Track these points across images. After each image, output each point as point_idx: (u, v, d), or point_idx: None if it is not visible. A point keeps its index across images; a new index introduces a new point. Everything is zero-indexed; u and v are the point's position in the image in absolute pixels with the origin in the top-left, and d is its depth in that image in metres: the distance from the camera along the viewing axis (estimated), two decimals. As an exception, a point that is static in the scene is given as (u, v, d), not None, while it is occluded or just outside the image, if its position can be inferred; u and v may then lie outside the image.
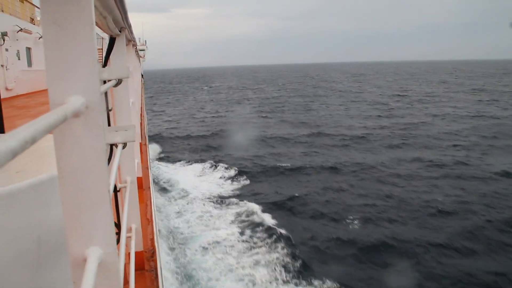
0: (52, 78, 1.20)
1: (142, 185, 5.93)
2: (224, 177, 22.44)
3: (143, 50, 56.45)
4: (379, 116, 45.46)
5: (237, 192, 20.12)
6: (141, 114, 10.90)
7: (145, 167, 6.83)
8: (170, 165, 26.17)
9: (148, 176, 6.54)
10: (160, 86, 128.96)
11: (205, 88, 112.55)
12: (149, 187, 6.00)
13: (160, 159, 27.99)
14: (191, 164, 25.85)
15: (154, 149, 29.64)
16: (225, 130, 37.45)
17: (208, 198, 18.95)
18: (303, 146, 30.49)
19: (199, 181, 21.72)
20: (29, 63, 18.17)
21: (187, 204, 18.68)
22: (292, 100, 66.80)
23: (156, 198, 17.92)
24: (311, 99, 69.29)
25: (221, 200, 18.66)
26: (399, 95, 70.82)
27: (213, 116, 49.32)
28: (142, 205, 5.25)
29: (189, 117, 49.61)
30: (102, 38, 27.29)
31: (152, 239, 4.41)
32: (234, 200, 18.56)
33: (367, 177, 21.91)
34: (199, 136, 35.80)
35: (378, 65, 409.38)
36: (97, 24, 2.91)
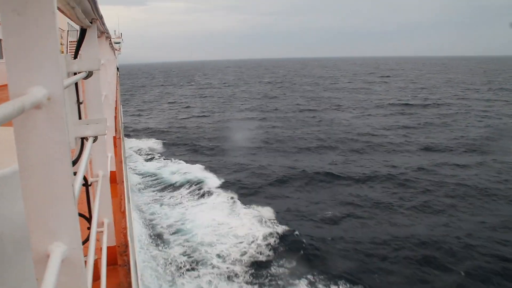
0: (12, 68, 1.16)
1: (116, 179, 5.85)
2: (248, 230, 15.22)
3: (119, 43, 55.60)
4: (417, 126, 35.53)
5: (275, 258, 13.40)
6: (115, 108, 10.74)
7: (119, 161, 6.73)
8: (161, 199, 19.42)
9: (122, 170, 6.45)
10: (133, 82, 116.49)
11: (186, 85, 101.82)
12: (123, 181, 5.92)
13: (149, 187, 21.19)
14: (188, 199, 19.00)
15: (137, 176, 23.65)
16: (225, 150, 28.86)
17: (237, 266, 12.86)
18: (342, 183, 20.58)
19: (214, 233, 14.98)
20: (0, 55, 17.70)
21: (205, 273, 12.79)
22: (292, 101, 57.15)
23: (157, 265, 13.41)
24: (310, 96, 61.79)
25: (258, 271, 12.66)
26: (415, 96, 60.65)
27: (205, 122, 41.22)
28: (116, 199, 5.18)
29: (171, 124, 40.77)
30: (77, 30, 26.75)
31: (125, 234, 4.36)
32: (278, 276, 12.40)
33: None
34: (192, 156, 27.45)
35: (362, 60, 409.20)
36: (65, 14, 2.84)
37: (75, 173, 2.00)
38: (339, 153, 27.21)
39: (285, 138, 32.34)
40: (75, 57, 3.39)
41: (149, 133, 36.24)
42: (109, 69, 9.36)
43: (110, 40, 11.12)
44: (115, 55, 22.36)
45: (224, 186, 20.33)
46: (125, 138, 31.24)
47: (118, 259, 3.91)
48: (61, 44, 23.32)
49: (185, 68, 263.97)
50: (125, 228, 4.49)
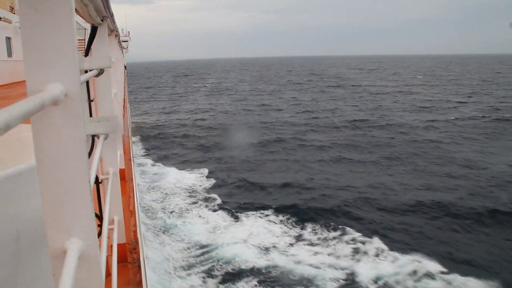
0: (30, 65, 1.16)
1: (125, 177, 5.87)
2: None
3: (126, 41, 55.78)
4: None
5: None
6: (124, 106, 10.79)
7: (128, 159, 6.76)
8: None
9: (131, 168, 6.48)
10: (140, 83, 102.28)
11: (199, 87, 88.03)
12: (132, 179, 5.94)
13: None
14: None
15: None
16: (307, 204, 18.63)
17: None
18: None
19: None
20: (9, 53, 17.84)
21: None
22: (334, 109, 47.32)
23: None
24: (349, 102, 51.94)
25: None
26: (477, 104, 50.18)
27: (246, 142, 30.95)
28: (125, 197, 5.20)
29: (207, 146, 30.91)
30: (85, 29, 26.88)
31: (135, 231, 4.38)
32: None
33: None
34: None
35: (368, 58, 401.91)
36: (77, 12, 2.84)
37: None
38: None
39: (369, 179, 21.92)
40: (86, 54, 3.41)
41: (181, 156, 27.97)
42: (118, 68, 9.40)
43: (119, 38, 11.16)
44: (123, 53, 22.43)
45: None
46: (161, 165, 25.05)
47: (128, 256, 3.93)
48: None
49: (193, 67, 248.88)
50: (135, 225, 4.51)
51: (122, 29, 56.64)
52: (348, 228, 15.84)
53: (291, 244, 14.71)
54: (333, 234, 15.48)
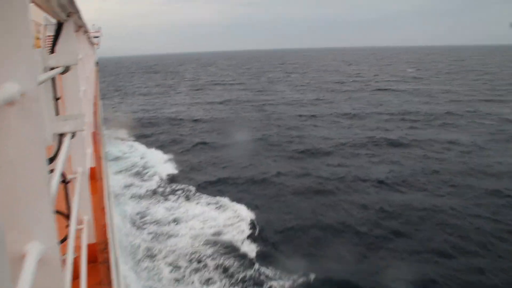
0: None
1: (95, 175, 5.77)
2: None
3: (98, 37, 54.73)
4: None
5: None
6: (95, 103, 10.60)
7: (98, 156, 6.65)
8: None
9: (102, 166, 6.37)
10: (110, 84, 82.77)
11: (180, 87, 73.97)
12: (103, 178, 5.84)
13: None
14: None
15: None
16: None
17: None
18: None
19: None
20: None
21: None
22: (364, 118, 36.92)
23: None
24: (377, 107, 42.79)
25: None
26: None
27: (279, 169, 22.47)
28: (95, 196, 5.11)
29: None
30: (55, 24, 26.20)
31: (105, 231, 4.31)
32: None
33: None
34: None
35: (352, 51, 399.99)
36: (41, 7, 2.77)
37: (52, 170, 1.97)
38: None
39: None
40: (52, 51, 3.32)
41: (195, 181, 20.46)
42: (88, 64, 9.22)
43: (88, 34, 10.95)
44: (93, 49, 22.03)
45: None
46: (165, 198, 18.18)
47: (98, 256, 3.87)
48: (38, 38, 22.84)
49: (170, 62, 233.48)
50: (105, 225, 4.44)
51: (93, 24, 55.50)
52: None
53: None
54: None
